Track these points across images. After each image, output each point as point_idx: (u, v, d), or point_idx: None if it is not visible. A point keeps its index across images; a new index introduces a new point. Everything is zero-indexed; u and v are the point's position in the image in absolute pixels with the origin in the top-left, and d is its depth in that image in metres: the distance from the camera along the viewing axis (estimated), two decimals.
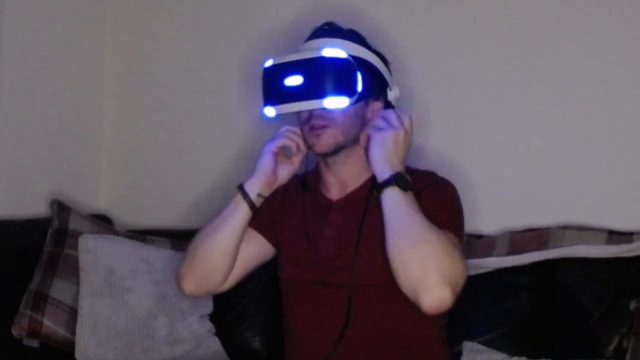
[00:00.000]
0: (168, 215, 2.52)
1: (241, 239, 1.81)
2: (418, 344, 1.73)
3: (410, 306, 1.63)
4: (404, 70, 2.05)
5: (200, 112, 2.53)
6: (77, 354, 2.00)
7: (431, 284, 1.54)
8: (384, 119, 1.70)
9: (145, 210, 2.57)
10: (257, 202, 1.79)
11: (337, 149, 1.74)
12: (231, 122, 2.45)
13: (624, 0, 2.07)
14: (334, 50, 1.68)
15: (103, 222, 2.33)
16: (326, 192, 1.82)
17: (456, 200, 1.76)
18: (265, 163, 1.79)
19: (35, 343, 2.02)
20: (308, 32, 1.80)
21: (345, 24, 1.80)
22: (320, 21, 1.81)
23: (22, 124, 2.33)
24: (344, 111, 1.71)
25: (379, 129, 1.69)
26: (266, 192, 1.80)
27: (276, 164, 1.80)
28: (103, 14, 2.61)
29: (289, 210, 1.86)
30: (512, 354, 1.92)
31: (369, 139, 1.70)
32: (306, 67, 1.68)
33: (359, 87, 1.69)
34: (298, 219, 1.83)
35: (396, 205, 1.62)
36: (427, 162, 1.96)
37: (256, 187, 1.79)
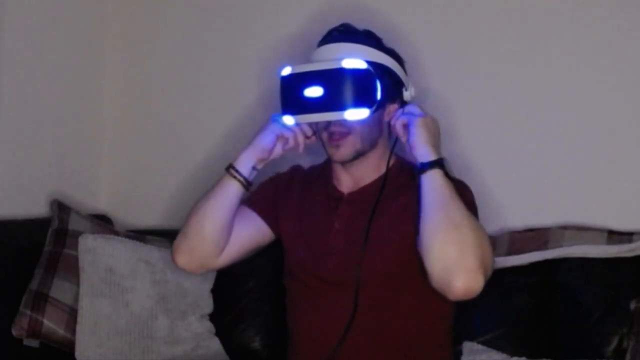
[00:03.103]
0: (168, 215, 2.52)
1: (234, 214, 1.81)
2: (422, 345, 1.73)
3: (415, 307, 1.63)
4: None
5: (201, 112, 2.53)
6: (77, 354, 2.00)
7: (468, 266, 1.54)
8: (415, 108, 1.75)
9: (145, 210, 2.57)
10: (252, 175, 1.81)
11: (356, 157, 1.76)
12: (232, 123, 2.45)
13: (630, 2, 2.07)
14: (354, 61, 1.67)
15: (103, 222, 2.33)
16: (338, 185, 1.83)
17: (474, 201, 1.77)
18: (267, 142, 1.80)
19: (35, 343, 2.02)
20: (320, 33, 1.80)
21: (359, 24, 1.80)
22: (332, 21, 1.81)
23: (22, 124, 2.33)
24: (363, 119, 1.71)
25: (415, 115, 1.72)
26: (260, 166, 1.82)
27: (275, 144, 1.82)
28: (104, 15, 2.61)
29: (296, 201, 1.87)
30: (512, 354, 1.92)
31: (407, 124, 1.72)
32: (326, 78, 1.68)
33: (379, 96, 1.69)
34: (306, 210, 1.84)
35: (439, 186, 1.63)
36: None
37: (253, 161, 1.80)
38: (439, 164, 1.65)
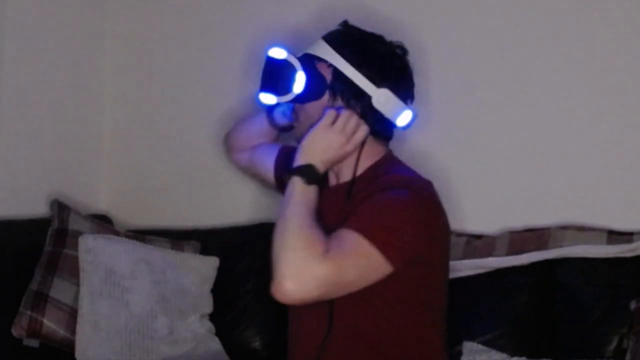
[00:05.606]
0: (168, 215, 2.52)
1: (258, 135, 2.10)
2: (408, 344, 1.70)
3: (391, 304, 1.62)
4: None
5: (201, 112, 2.53)
6: (77, 354, 2.00)
7: (276, 273, 1.55)
8: (333, 116, 1.71)
9: (145, 210, 2.57)
10: (284, 119, 2.02)
11: None
12: (232, 122, 2.45)
13: (625, 3, 2.07)
14: (277, 50, 1.79)
15: (103, 222, 2.33)
16: (329, 176, 1.82)
17: (396, 213, 1.62)
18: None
19: (35, 343, 2.02)
20: (319, 32, 1.80)
21: (359, 23, 1.80)
22: (331, 21, 1.81)
23: (23, 124, 2.33)
24: (308, 112, 1.75)
25: (319, 122, 1.70)
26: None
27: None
28: (103, 14, 2.61)
29: None
30: (512, 354, 1.92)
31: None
32: (267, 63, 1.82)
33: (296, 89, 1.72)
34: None
35: (292, 194, 1.65)
36: (427, 163, 1.96)
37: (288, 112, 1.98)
38: (303, 171, 1.67)
